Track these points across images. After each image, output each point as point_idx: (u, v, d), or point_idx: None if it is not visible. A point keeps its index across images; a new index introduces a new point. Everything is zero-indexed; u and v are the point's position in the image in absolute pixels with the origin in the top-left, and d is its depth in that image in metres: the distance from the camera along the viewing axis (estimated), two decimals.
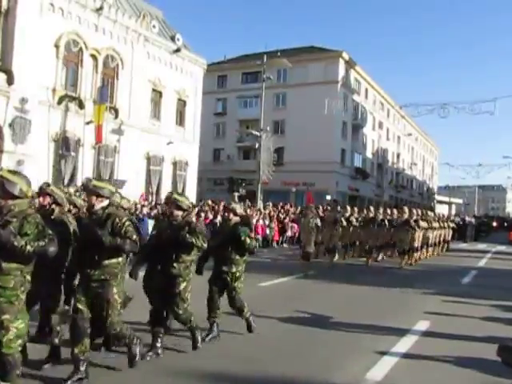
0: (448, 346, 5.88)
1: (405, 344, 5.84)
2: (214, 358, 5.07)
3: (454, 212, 62.90)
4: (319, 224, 12.19)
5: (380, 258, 15.89)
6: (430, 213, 18.61)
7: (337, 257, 14.87)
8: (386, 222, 15.53)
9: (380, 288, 10.25)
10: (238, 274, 5.80)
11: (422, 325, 6.87)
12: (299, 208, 24.06)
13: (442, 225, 19.16)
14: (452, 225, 21.67)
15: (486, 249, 24.61)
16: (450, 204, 71.93)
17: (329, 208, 17.30)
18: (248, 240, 5.74)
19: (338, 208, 16.92)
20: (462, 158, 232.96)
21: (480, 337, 6.31)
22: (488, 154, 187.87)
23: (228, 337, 5.93)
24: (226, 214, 6.23)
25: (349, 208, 16.69)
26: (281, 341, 5.89)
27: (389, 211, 16.69)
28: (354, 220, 15.67)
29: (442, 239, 19.44)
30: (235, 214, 6.04)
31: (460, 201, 78.45)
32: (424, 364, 5.19)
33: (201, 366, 4.82)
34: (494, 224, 44.60)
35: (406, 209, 15.84)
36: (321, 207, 19.62)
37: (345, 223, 15.08)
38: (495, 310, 8.33)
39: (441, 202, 72.73)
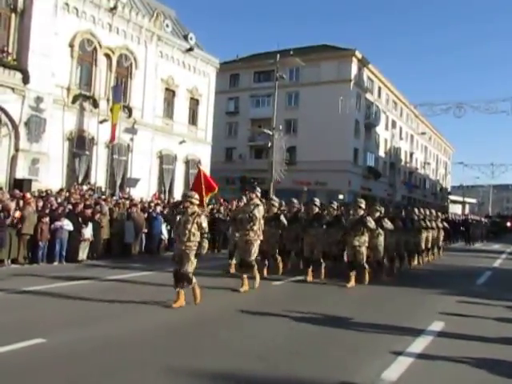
0: (463, 346, 5.83)
1: (420, 344, 5.79)
2: (227, 357, 5.06)
3: (467, 212, 62.26)
4: (204, 224, 7.41)
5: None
6: (416, 211, 14.67)
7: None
8: (344, 220, 11.02)
9: (394, 288, 10.19)
10: None
11: (437, 325, 6.81)
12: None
13: (428, 225, 15.17)
14: (442, 225, 17.37)
15: (500, 249, 24.35)
16: (463, 204, 71.24)
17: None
18: None
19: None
20: (476, 157, 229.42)
21: (495, 338, 6.25)
22: (503, 153, 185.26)
23: (241, 336, 5.94)
24: None
25: (276, 202, 11.67)
26: (295, 340, 5.87)
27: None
28: (283, 219, 11.28)
29: (429, 245, 15.55)
30: None
31: (474, 200, 77.58)
32: (439, 364, 5.15)
33: (213, 364, 4.82)
34: (508, 224, 43.70)
35: (363, 203, 10.78)
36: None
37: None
38: (510, 310, 8.23)
39: (454, 202, 72.05)
